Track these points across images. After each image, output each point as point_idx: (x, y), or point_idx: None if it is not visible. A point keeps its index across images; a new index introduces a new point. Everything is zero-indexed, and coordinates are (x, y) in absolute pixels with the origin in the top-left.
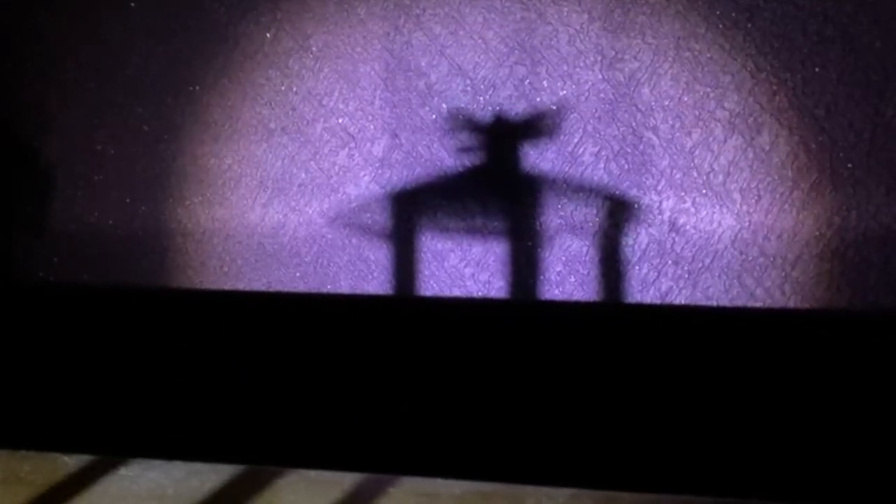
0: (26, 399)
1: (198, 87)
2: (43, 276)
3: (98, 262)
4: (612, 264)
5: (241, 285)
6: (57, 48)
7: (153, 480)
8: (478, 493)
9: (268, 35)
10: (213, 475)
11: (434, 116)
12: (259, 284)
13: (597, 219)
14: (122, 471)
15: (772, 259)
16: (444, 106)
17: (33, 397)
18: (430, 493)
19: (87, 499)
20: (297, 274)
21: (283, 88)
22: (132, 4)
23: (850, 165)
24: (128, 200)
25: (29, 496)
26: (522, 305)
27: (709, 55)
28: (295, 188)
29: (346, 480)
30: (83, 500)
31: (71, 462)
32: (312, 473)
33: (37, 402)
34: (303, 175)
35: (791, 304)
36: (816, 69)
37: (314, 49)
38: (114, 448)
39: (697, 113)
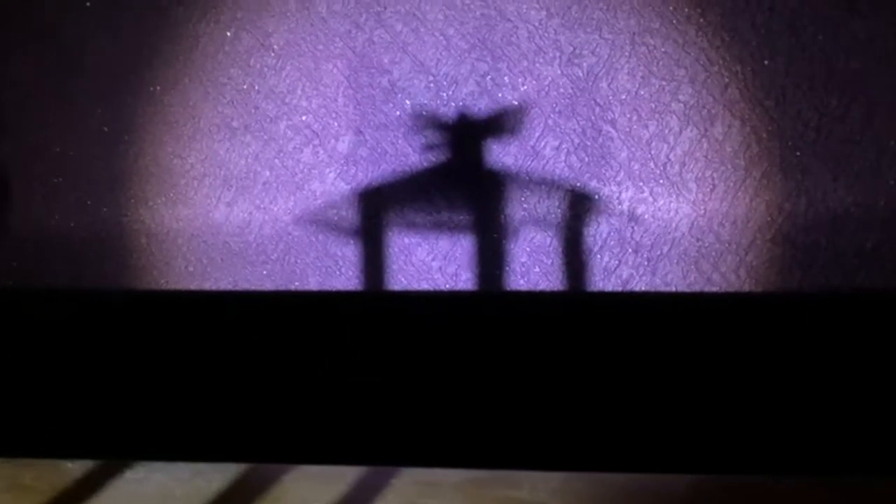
0: None
1: (158, 87)
2: (2, 282)
3: (60, 266)
4: (574, 254)
5: (208, 285)
6: (11, 48)
7: (159, 482)
8: (476, 480)
9: (228, 34)
10: (217, 475)
11: (398, 113)
12: (225, 284)
13: (559, 210)
14: (128, 474)
15: (727, 245)
16: (407, 102)
17: None
18: (431, 482)
19: (98, 503)
20: (264, 272)
21: (245, 87)
22: (88, 4)
23: (798, 154)
24: (89, 202)
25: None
26: (489, 296)
27: (664, 50)
28: (260, 186)
29: (349, 474)
30: None
31: (74, 468)
32: (314, 469)
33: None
34: (267, 173)
35: (746, 288)
36: (766, 62)
37: (276, 47)
38: (85, 452)
39: (654, 106)
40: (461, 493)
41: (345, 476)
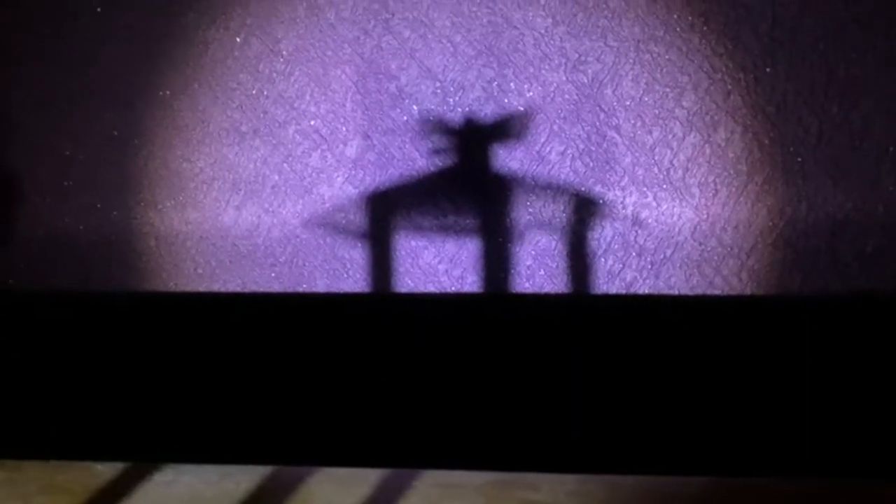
0: None
1: (168, 92)
2: (12, 283)
3: (70, 268)
4: (579, 257)
5: (216, 287)
6: (23, 52)
7: (189, 485)
8: (497, 482)
9: (238, 39)
10: (244, 476)
11: (405, 118)
12: (234, 286)
13: (564, 214)
14: (157, 476)
15: (729, 249)
16: (414, 108)
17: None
18: (454, 484)
19: None
20: (273, 274)
21: (254, 92)
22: (98, 10)
23: (799, 160)
24: (98, 205)
25: None
26: (495, 299)
27: (667, 57)
28: (268, 190)
29: (372, 476)
30: None
31: (104, 470)
32: (339, 471)
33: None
34: (276, 177)
35: (748, 291)
36: (767, 69)
37: (284, 53)
38: (107, 455)
39: (657, 112)
40: (483, 495)
41: (368, 478)
